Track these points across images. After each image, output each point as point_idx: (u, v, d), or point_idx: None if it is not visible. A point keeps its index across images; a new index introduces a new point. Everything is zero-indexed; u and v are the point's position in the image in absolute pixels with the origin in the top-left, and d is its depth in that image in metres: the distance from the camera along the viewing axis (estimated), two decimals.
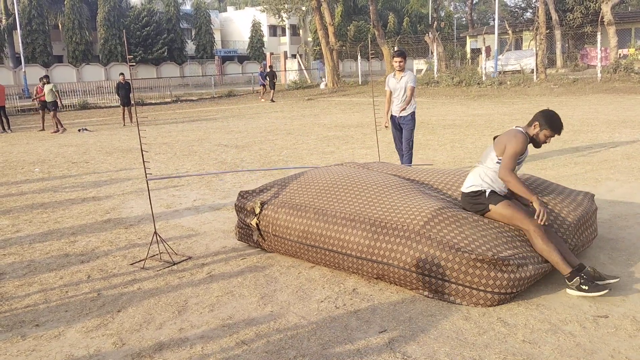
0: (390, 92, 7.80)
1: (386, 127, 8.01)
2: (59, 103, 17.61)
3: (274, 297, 4.10)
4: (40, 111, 17.98)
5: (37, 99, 17.93)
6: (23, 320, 3.89)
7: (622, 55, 31.06)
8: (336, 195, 4.72)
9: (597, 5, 33.83)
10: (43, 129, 17.55)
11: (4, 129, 17.46)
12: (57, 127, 17.02)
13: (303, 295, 4.10)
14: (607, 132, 11.58)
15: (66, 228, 6.25)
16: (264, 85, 28.42)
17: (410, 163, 7.79)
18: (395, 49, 26.81)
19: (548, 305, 3.75)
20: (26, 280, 4.67)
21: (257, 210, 4.99)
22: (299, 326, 3.60)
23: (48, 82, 17.93)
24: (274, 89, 28.03)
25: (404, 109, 7.68)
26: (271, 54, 42.27)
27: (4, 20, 42.61)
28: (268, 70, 28.88)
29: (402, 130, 7.80)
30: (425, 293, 3.93)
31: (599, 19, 28.72)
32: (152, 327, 3.69)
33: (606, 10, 29.52)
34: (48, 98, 17.31)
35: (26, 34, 41.86)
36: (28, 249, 5.53)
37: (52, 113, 17.23)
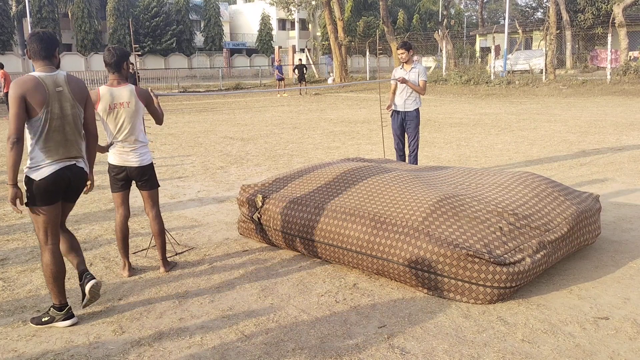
0: (396, 85, 7.42)
1: (388, 109, 7.56)
2: None
3: (274, 289, 4.11)
4: None
5: None
6: (24, 306, 3.91)
7: (632, 57, 30.83)
8: (337, 189, 4.71)
9: (608, 6, 33.55)
10: None
11: None
12: None
13: (303, 288, 4.11)
14: (614, 135, 11.52)
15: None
16: (282, 80, 28.45)
17: (417, 163, 7.45)
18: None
19: (548, 305, 3.74)
20: (29, 266, 4.70)
21: (259, 204, 5.00)
22: (298, 319, 3.61)
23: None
24: (303, 80, 28.17)
25: (409, 98, 7.33)
26: (279, 47, 42.23)
27: (14, 7, 42.75)
28: (297, 63, 29.03)
29: (405, 127, 7.45)
30: (425, 291, 3.92)
31: (610, 21, 28.47)
32: (152, 316, 3.70)
33: (618, 12, 29.30)
34: None
35: (36, 22, 42.00)
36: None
37: None
